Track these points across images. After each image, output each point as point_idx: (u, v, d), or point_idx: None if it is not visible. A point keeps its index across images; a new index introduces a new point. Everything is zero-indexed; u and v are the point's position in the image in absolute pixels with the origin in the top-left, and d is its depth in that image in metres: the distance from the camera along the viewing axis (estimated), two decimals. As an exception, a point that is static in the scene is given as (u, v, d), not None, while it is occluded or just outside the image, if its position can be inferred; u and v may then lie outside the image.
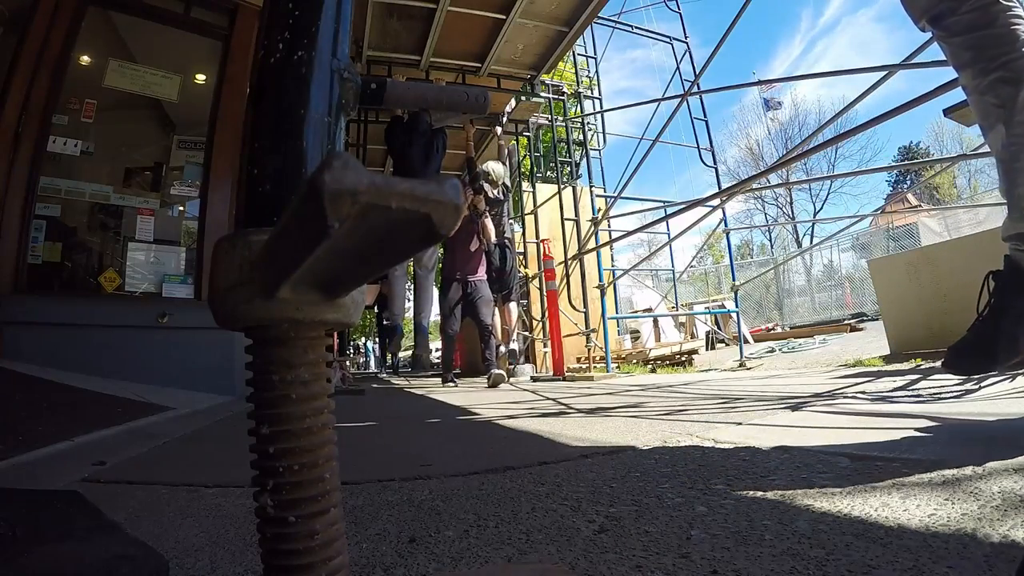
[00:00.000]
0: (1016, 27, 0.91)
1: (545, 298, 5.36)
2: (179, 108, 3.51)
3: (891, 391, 1.87)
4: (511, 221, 5.98)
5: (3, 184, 2.69)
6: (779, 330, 8.10)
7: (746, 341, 5.51)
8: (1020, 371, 0.87)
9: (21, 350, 2.51)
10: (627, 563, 0.57)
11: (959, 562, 0.50)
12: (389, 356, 10.73)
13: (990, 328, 0.92)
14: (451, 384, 4.30)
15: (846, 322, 7.50)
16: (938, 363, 2.72)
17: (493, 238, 4.55)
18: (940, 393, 1.72)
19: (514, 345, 4.77)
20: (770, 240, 23.84)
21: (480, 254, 4.59)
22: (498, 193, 4.71)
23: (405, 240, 0.25)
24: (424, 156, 4.14)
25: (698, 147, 5.92)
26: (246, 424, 0.36)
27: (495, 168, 4.71)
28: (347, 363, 6.13)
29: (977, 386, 1.77)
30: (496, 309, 4.70)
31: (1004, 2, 0.93)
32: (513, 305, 4.79)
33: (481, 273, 4.59)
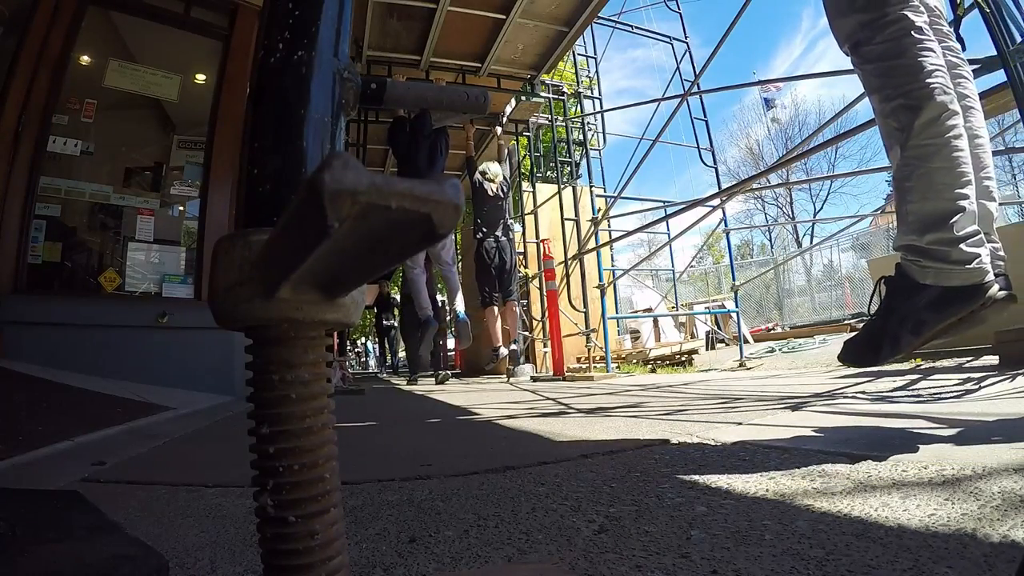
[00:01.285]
0: (923, 59, 1.00)
1: (545, 298, 5.36)
2: (179, 108, 3.51)
3: (891, 391, 1.87)
4: (511, 220, 5.99)
5: (3, 184, 2.69)
6: (779, 330, 8.10)
7: (746, 341, 5.51)
8: (902, 361, 1.06)
9: (21, 350, 2.51)
10: (627, 563, 0.57)
11: (959, 562, 0.50)
12: (389, 356, 10.70)
13: (878, 327, 1.05)
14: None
15: (846, 322, 7.50)
16: (938, 363, 2.72)
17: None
18: (940, 393, 1.72)
19: (515, 346, 4.75)
20: (770, 240, 23.84)
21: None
22: (497, 190, 4.71)
23: (405, 240, 0.25)
24: (429, 157, 4.15)
25: (698, 147, 5.92)
26: (246, 424, 0.36)
27: (491, 167, 4.74)
28: (347, 363, 6.12)
29: (977, 386, 1.77)
30: (497, 311, 4.69)
31: (916, 35, 1.01)
32: (515, 306, 4.77)
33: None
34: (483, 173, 4.70)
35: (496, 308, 4.67)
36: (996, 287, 0.96)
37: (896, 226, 1.03)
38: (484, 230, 4.68)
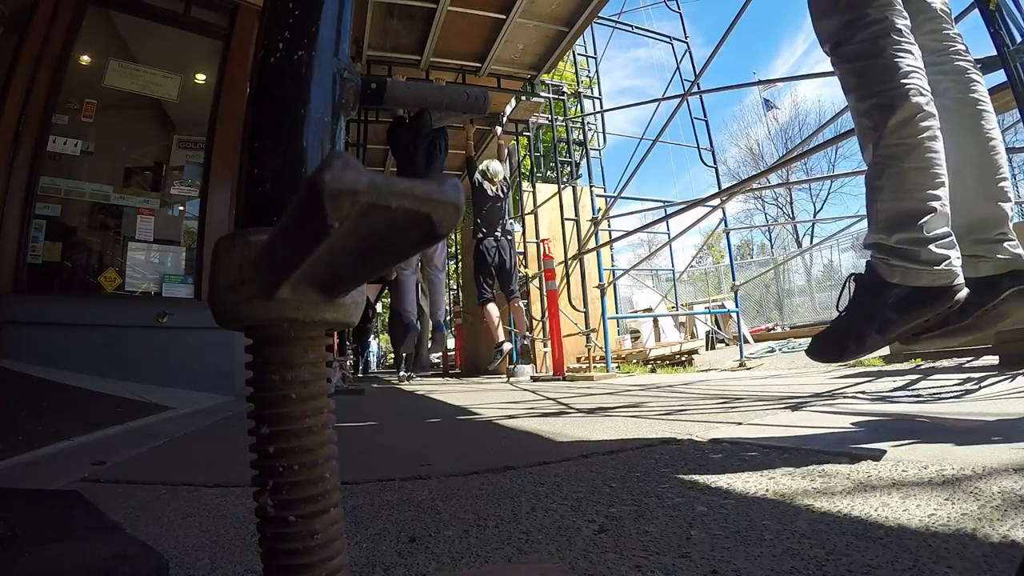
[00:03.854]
0: (899, 60, 1.01)
1: (545, 298, 5.36)
2: (179, 108, 3.51)
3: (891, 391, 1.88)
4: (511, 220, 5.99)
5: (3, 184, 2.69)
6: (779, 330, 8.10)
7: (746, 341, 5.51)
8: (861, 358, 1.12)
9: (21, 350, 2.51)
10: (627, 563, 0.57)
11: (959, 562, 0.50)
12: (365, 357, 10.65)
13: (845, 324, 1.04)
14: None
15: (846, 322, 7.48)
16: (938, 363, 2.72)
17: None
18: (940, 393, 1.72)
19: (509, 344, 4.73)
20: (770, 240, 23.84)
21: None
22: (497, 190, 4.72)
23: (405, 240, 0.25)
24: (427, 156, 4.17)
25: (698, 147, 5.92)
26: (246, 424, 0.36)
27: (491, 165, 4.75)
28: (347, 363, 6.12)
29: (977, 386, 1.77)
30: (495, 308, 4.69)
31: (894, 36, 1.02)
32: (520, 303, 4.77)
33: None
34: (483, 172, 4.71)
35: (495, 305, 4.67)
36: (965, 291, 0.96)
37: (869, 224, 1.03)
38: (484, 230, 4.69)
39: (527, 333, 4.77)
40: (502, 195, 4.76)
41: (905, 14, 1.05)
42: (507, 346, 4.61)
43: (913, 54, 1.01)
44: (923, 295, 0.96)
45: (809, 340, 1.15)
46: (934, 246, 0.94)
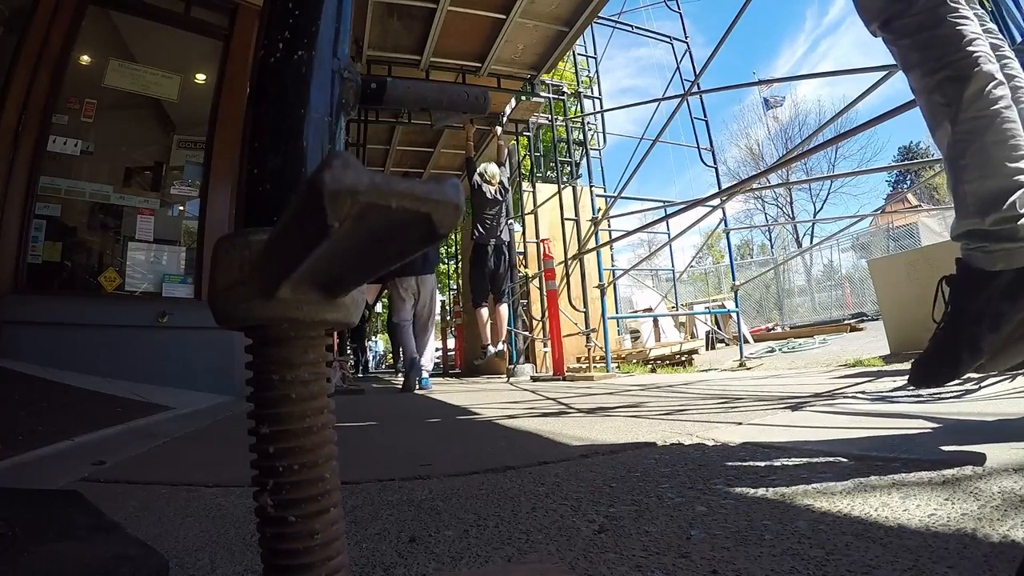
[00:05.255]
0: (961, 27, 0.93)
1: (545, 298, 5.36)
2: (179, 108, 3.51)
3: (891, 391, 1.87)
4: (511, 221, 5.99)
5: (3, 184, 2.69)
6: (779, 330, 8.10)
7: (746, 341, 5.51)
8: (988, 373, 0.87)
9: (21, 350, 2.51)
10: (627, 563, 0.57)
11: (959, 562, 0.50)
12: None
13: (949, 334, 0.91)
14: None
15: (846, 322, 7.50)
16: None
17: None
18: (940, 393, 1.72)
19: (502, 346, 4.75)
20: (770, 240, 23.84)
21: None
22: (495, 192, 4.72)
23: (405, 240, 0.25)
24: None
25: (698, 147, 5.92)
26: (246, 424, 0.36)
27: (489, 168, 4.78)
28: (347, 363, 6.12)
29: (977, 386, 1.77)
30: (487, 312, 4.75)
31: (951, 3, 0.94)
32: (504, 308, 4.82)
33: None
34: (481, 175, 4.71)
35: (487, 309, 4.73)
36: None
37: (956, 212, 0.93)
38: (482, 231, 4.70)
39: (500, 344, 4.79)
40: (500, 198, 4.77)
41: None
42: (491, 349, 4.64)
43: (972, 19, 0.94)
44: None
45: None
46: None
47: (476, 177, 4.72)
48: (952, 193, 0.94)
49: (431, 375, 4.64)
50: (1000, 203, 0.87)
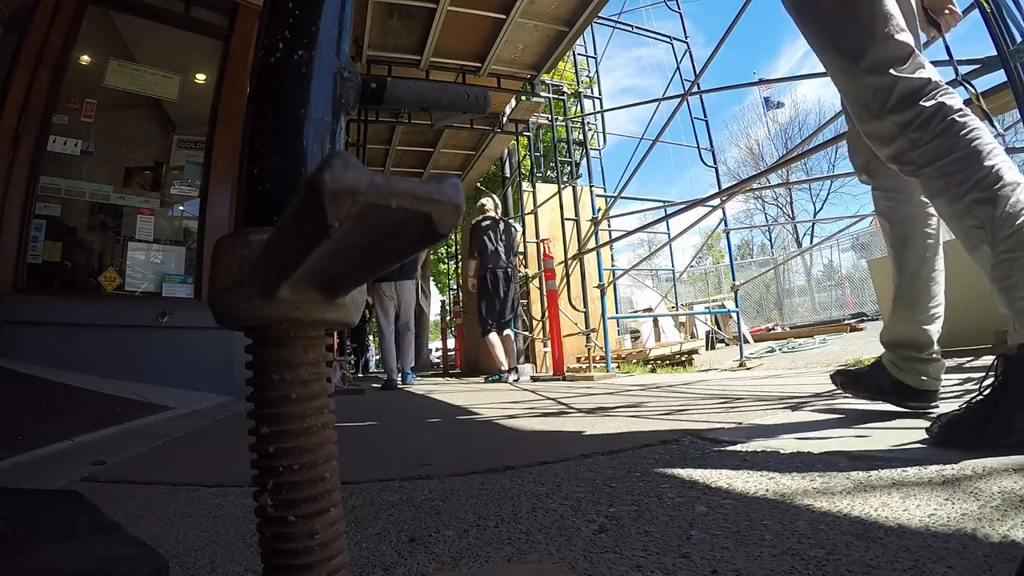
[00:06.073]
0: (975, 142, 0.94)
1: (545, 298, 5.36)
2: (179, 107, 3.51)
3: (891, 391, 1.87)
4: (513, 222, 6.00)
5: (3, 184, 2.69)
6: (779, 330, 8.10)
7: (746, 341, 5.51)
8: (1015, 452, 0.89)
9: (21, 350, 2.51)
10: (627, 563, 0.57)
11: (959, 562, 0.50)
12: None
13: (989, 406, 0.92)
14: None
15: (846, 322, 7.50)
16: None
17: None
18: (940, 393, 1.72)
19: (508, 376, 4.79)
20: (770, 240, 23.85)
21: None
22: (496, 221, 5.01)
23: (405, 239, 0.25)
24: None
25: (698, 147, 5.91)
26: (246, 424, 0.36)
27: (486, 202, 5.19)
28: (347, 363, 6.15)
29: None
30: (497, 337, 4.85)
31: (960, 119, 0.95)
32: (508, 333, 4.89)
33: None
34: (480, 207, 5.09)
35: (495, 335, 4.85)
36: None
37: (1014, 326, 0.93)
38: (489, 262, 4.93)
39: (515, 365, 4.92)
40: (501, 228, 4.99)
41: (952, 91, 1.00)
42: (511, 377, 4.70)
43: (981, 127, 0.96)
44: None
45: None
46: None
47: (477, 218, 5.05)
48: (1009, 309, 0.94)
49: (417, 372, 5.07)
50: None
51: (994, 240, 0.92)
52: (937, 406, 1.22)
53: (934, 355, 1.24)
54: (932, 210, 1.16)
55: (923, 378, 1.22)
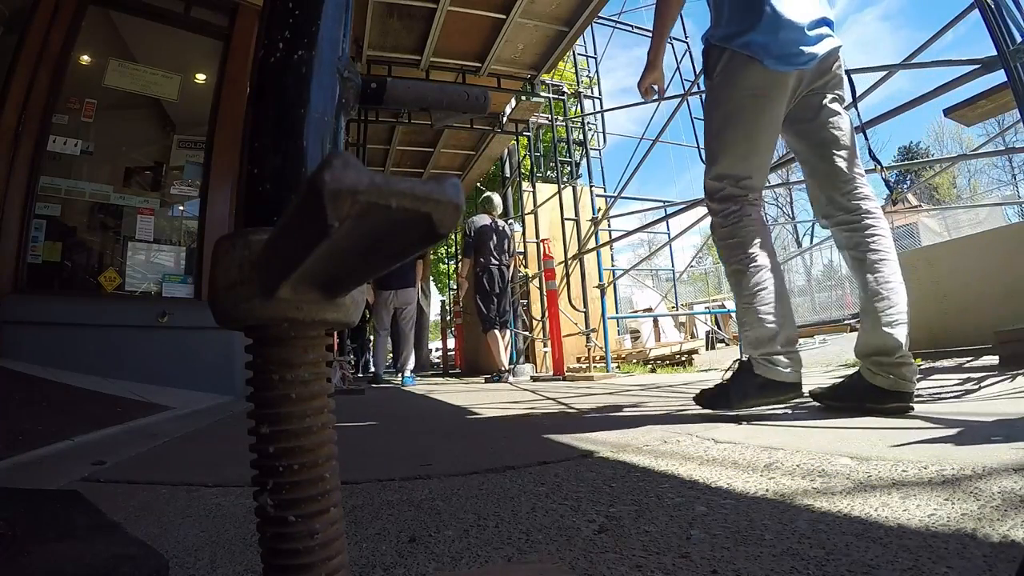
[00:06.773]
0: (748, 236, 1.56)
1: (545, 298, 5.37)
2: (179, 107, 3.51)
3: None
4: (513, 222, 6.01)
5: (3, 184, 2.69)
6: (779, 330, 8.08)
7: (746, 341, 5.50)
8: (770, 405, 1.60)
9: (21, 350, 2.51)
10: (627, 563, 0.57)
11: (959, 562, 0.50)
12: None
13: (727, 388, 1.57)
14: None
15: (846, 322, 7.50)
16: (938, 363, 2.72)
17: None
18: (940, 393, 1.72)
19: (505, 377, 4.81)
20: (770, 240, 23.79)
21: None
22: (496, 222, 5.05)
23: (405, 239, 0.25)
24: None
25: (698, 147, 5.89)
26: (246, 424, 0.36)
27: (493, 196, 5.25)
28: (347, 363, 6.17)
29: (977, 386, 1.77)
30: (499, 335, 4.90)
31: (746, 223, 1.57)
32: (498, 332, 4.94)
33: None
34: (488, 200, 5.14)
35: (496, 333, 4.89)
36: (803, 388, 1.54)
37: (741, 348, 1.50)
38: (482, 258, 4.98)
39: (513, 360, 4.97)
40: (497, 228, 5.04)
41: (759, 202, 1.62)
42: (509, 377, 4.74)
43: (757, 229, 1.56)
44: (773, 385, 1.52)
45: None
46: (782, 355, 1.50)
47: (470, 223, 5.10)
48: (740, 335, 1.54)
49: (415, 373, 5.33)
50: (765, 343, 1.52)
51: (739, 296, 1.57)
52: (912, 408, 1.36)
53: (904, 358, 1.39)
54: (881, 236, 1.50)
55: (896, 379, 1.37)
